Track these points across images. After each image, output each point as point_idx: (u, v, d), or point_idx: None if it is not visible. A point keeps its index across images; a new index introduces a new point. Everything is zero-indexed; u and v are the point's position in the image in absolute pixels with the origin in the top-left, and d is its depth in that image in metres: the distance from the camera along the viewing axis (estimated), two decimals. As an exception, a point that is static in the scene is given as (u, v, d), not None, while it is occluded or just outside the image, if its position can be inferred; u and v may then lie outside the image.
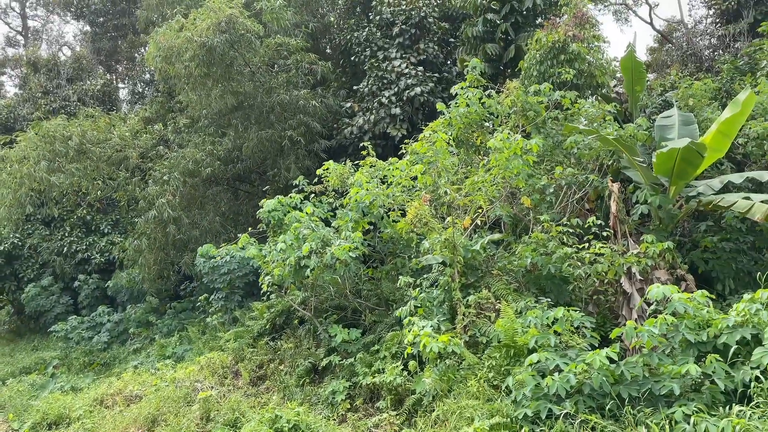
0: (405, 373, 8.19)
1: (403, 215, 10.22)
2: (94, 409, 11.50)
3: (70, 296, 23.89)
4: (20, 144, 17.21)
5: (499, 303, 7.98)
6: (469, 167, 10.68)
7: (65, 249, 23.65)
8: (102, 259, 23.34)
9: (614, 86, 14.88)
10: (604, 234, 9.08)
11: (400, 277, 9.46)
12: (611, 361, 6.01)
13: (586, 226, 8.99)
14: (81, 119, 18.62)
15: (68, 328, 20.89)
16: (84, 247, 23.69)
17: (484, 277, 8.99)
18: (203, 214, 17.72)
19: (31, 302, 23.47)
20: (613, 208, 9.46)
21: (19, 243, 24.23)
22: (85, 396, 12.67)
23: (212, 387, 10.80)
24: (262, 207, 11.69)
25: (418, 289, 9.02)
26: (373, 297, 11.49)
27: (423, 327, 7.63)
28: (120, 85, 35.21)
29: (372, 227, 11.56)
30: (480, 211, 9.77)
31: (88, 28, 36.39)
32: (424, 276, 9.63)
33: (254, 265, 14.19)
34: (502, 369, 6.90)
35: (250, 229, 13.67)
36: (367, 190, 10.34)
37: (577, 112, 11.15)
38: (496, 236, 9.61)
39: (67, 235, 24.06)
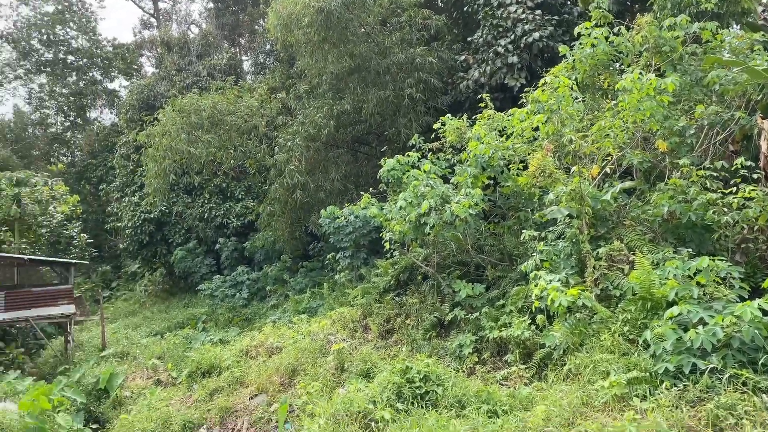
0: (533, 327, 8.07)
1: (525, 168, 9.91)
2: (240, 359, 12.57)
3: (212, 258, 26.02)
4: (161, 120, 18.80)
5: (633, 254, 7.56)
6: (596, 113, 10.05)
7: (206, 215, 25.67)
8: (238, 223, 25.06)
9: (762, 12, 13.19)
10: (754, 177, 8.21)
11: (524, 231, 9.23)
12: (764, 313, 5.50)
13: (732, 168, 8.17)
14: (212, 92, 19.88)
15: (213, 287, 22.85)
16: (222, 212, 25.57)
17: (616, 228, 8.53)
18: (326, 176, 18.36)
19: (179, 264, 25.89)
20: (764, 147, 8.49)
21: (167, 211, 26.66)
22: (232, 348, 13.86)
23: (344, 339, 11.36)
24: (382, 166, 11.87)
25: (543, 242, 8.76)
26: (496, 252, 11.35)
27: (550, 281, 7.44)
28: (243, 57, 37.05)
29: (492, 182, 11.35)
30: (609, 158, 9.21)
31: (211, 5, 38.43)
32: (549, 229, 9.32)
33: (377, 223, 14.57)
34: (638, 323, 6.56)
35: (370, 189, 13.97)
36: (486, 143, 10.12)
37: (719, 45, 10.04)
38: (628, 184, 9.02)
39: (206, 202, 26.06)
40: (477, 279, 10.78)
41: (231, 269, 24.59)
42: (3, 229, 22.73)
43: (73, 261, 20.72)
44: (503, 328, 8.46)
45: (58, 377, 15.55)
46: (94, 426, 13.22)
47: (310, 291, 18.46)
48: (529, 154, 9.70)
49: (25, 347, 19.33)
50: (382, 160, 12.00)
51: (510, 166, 10.57)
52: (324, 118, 17.39)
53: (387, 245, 11.54)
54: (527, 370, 7.51)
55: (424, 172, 10.81)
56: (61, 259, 20.95)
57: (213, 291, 22.83)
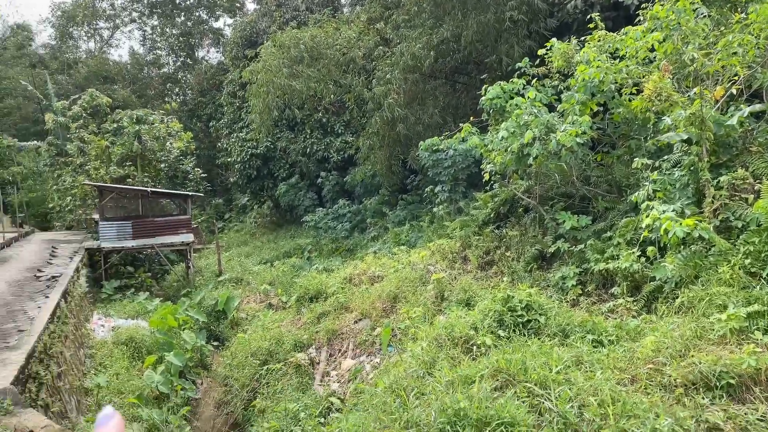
0: (642, 259, 7.74)
1: (638, 92, 9.24)
2: (344, 287, 13.14)
3: (314, 191, 26.95)
4: (263, 56, 19.25)
5: (759, 183, 6.96)
6: (722, 28, 9.09)
7: (308, 150, 26.42)
8: (338, 158, 25.62)
9: None
10: None
11: (635, 159, 8.72)
12: None
13: None
14: (310, 26, 19.99)
15: (316, 219, 23.77)
16: (323, 147, 26.19)
17: (740, 155, 7.85)
18: (424, 109, 18.16)
19: (284, 197, 27.07)
20: None
21: (272, 146, 27.70)
22: (336, 276, 14.49)
23: (443, 270, 11.51)
24: (482, 95, 11.53)
25: (656, 171, 8.25)
26: (603, 183, 10.85)
27: (663, 211, 7.04)
28: (340, -12, 36.66)
29: (601, 108, 10.71)
30: (735, 79, 8.37)
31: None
32: (664, 158, 8.74)
33: (476, 156, 14.33)
34: (762, 255, 6.11)
35: (471, 117, 13.66)
36: (596, 66, 9.50)
37: None
38: (758, 107, 8.20)
39: (308, 137, 26.76)
40: (582, 211, 10.42)
41: (332, 202, 25.39)
42: (127, 164, 24.69)
43: (190, 193, 22.23)
44: (610, 261, 8.19)
45: (181, 299, 17.08)
46: (215, 343, 14.51)
47: (409, 224, 18.72)
48: (643, 77, 9.02)
49: (152, 272, 21.30)
50: (483, 88, 11.64)
51: (622, 90, 9.90)
52: (423, 49, 17.02)
53: (487, 176, 11.35)
54: (635, 303, 7.27)
55: (529, 99, 10.38)
56: (180, 192, 22.55)
57: (316, 223, 23.77)
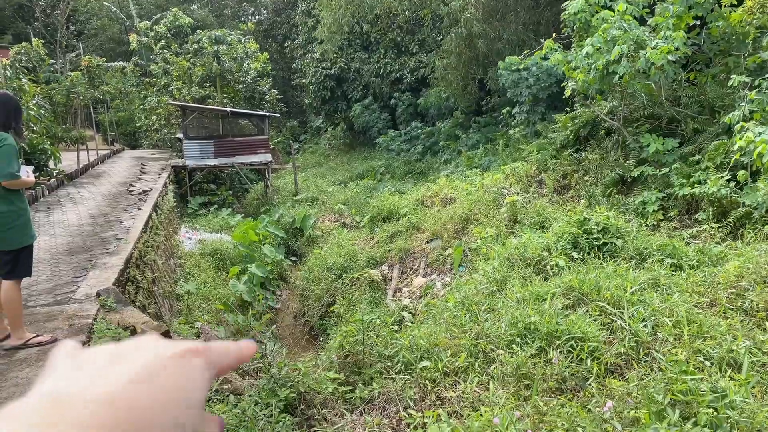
0: (731, 184, 7.36)
1: (740, 3, 8.46)
2: (417, 208, 13.29)
3: (388, 113, 26.80)
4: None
5: None
6: None
7: (381, 70, 26.09)
8: (412, 78, 25.19)
9: None
10: None
11: (732, 78, 8.10)
12: None
13: None
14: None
15: (389, 140, 23.79)
16: (396, 67, 25.78)
17: None
18: (504, 25, 17.38)
19: (357, 119, 27.13)
20: None
21: (346, 67, 27.53)
22: (409, 197, 14.64)
23: (517, 193, 11.38)
24: (565, 10, 10.88)
25: (754, 90, 7.66)
26: (695, 104, 10.20)
27: (759, 133, 6.60)
28: None
29: (698, 22, 9.90)
30: None
31: None
32: (765, 77, 8.07)
33: (558, 75, 13.71)
34: None
35: (554, 35, 12.99)
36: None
37: None
38: None
39: (382, 57, 26.35)
40: (669, 134, 9.89)
41: (405, 124, 25.23)
42: (207, 84, 25.33)
43: (268, 114, 22.69)
44: (696, 185, 7.83)
45: (260, 216, 17.85)
46: (293, 258, 15.21)
47: (483, 147, 18.41)
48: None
49: (233, 190, 22.25)
50: (565, 3, 10.97)
51: (721, 2, 9.08)
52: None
53: (567, 92, 10.90)
54: (720, 230, 6.99)
55: (618, 12, 9.72)
56: (258, 112, 23.05)
57: (389, 145, 23.81)
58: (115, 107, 32.20)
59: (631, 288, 5.11)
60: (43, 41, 22.22)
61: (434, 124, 23.45)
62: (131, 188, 14.64)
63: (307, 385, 4.40)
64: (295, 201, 19.57)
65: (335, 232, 14.87)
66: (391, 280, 10.88)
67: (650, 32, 9.56)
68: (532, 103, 15.75)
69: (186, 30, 28.92)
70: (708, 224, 7.16)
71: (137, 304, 7.66)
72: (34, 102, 14.45)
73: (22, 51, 19.86)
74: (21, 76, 15.66)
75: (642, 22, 10.14)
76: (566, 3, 10.92)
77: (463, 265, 9.43)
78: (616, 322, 4.69)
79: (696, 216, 7.72)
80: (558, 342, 4.45)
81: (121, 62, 33.90)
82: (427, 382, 4.56)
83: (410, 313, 8.50)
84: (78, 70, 21.36)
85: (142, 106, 28.57)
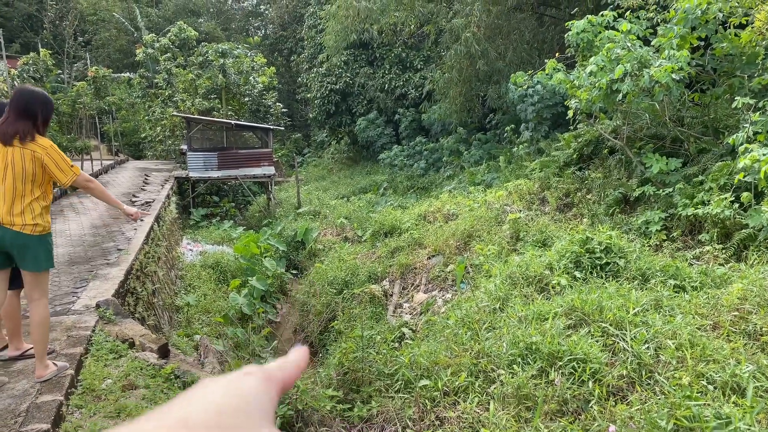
0: (735, 206, 7.33)
1: (747, 24, 8.49)
2: (418, 223, 13.28)
3: (392, 128, 26.90)
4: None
5: None
6: None
7: (386, 85, 26.22)
8: (416, 94, 25.31)
9: None
10: None
11: (736, 99, 8.12)
12: None
13: None
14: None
15: (392, 155, 23.84)
16: (401, 83, 25.91)
17: None
18: (507, 44, 17.46)
19: (362, 133, 27.21)
20: None
21: (351, 82, 27.68)
22: (411, 212, 14.63)
23: (520, 210, 11.36)
24: (569, 30, 10.94)
25: (759, 112, 7.67)
26: (698, 125, 10.21)
27: (764, 154, 6.58)
28: None
29: (702, 43, 9.93)
30: None
31: None
32: (769, 98, 8.09)
33: (562, 95, 13.75)
34: None
35: (557, 54, 13.05)
36: (702, -5, 8.74)
37: None
38: None
39: (386, 72, 26.50)
40: (672, 154, 9.89)
41: (409, 139, 25.29)
42: (212, 96, 25.47)
43: (272, 127, 22.78)
44: (699, 206, 7.80)
45: (263, 228, 17.85)
46: (294, 271, 15.17)
47: (486, 163, 18.44)
48: (756, 6, 8.26)
49: (235, 202, 22.28)
50: (569, 23, 11.03)
51: (730, 20, 9.11)
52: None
53: (570, 113, 10.93)
54: (724, 251, 6.95)
55: (622, 32, 9.77)
56: (262, 125, 23.15)
57: (392, 160, 23.85)
58: (121, 118, 32.37)
59: (634, 309, 5.07)
60: (50, 51, 22.40)
61: (437, 139, 23.51)
62: (134, 199, 14.65)
63: (305, 403, 4.36)
64: (298, 214, 19.57)
65: (337, 246, 14.84)
66: (392, 295, 10.83)
67: (654, 52, 9.59)
68: (538, 121, 15.78)
69: (191, 42, 29.14)
70: (711, 245, 7.13)
71: (137, 315, 7.63)
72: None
73: (30, 61, 20.00)
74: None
75: (646, 42, 10.18)
76: (569, 23, 10.98)
77: (465, 281, 9.39)
78: (618, 343, 4.65)
79: (699, 237, 7.68)
80: (560, 363, 4.40)
81: (128, 73, 34.15)
82: (426, 401, 4.51)
83: (411, 329, 8.45)
84: (84, 80, 21.54)
85: (147, 117, 28.71)
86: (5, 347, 4.76)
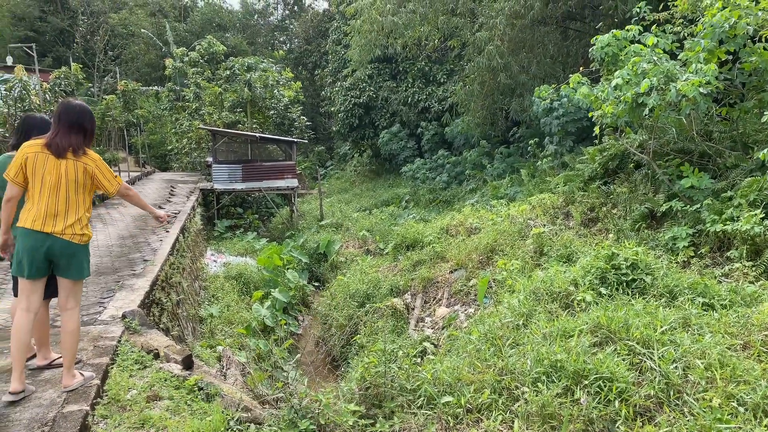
0: (765, 222, 7.18)
1: (777, 38, 8.35)
2: (441, 236, 13.23)
3: (414, 141, 26.96)
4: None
5: None
6: None
7: (409, 99, 26.34)
8: (439, 107, 25.37)
9: None
10: None
11: (766, 113, 7.98)
12: None
13: None
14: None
15: (414, 168, 23.87)
16: (424, 96, 26.00)
17: None
18: (531, 57, 17.42)
19: (384, 146, 27.33)
20: None
21: (374, 96, 27.87)
22: (433, 225, 14.60)
23: (544, 225, 11.26)
24: (593, 45, 10.88)
25: (791, 127, 7.52)
26: (727, 139, 10.04)
27: (796, 171, 6.44)
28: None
29: (730, 57, 9.79)
30: None
31: None
32: (801, 113, 7.92)
33: (587, 108, 13.65)
34: None
35: (581, 69, 12.98)
36: (732, 4, 8.62)
37: None
38: None
39: (409, 86, 26.62)
40: (700, 169, 9.73)
41: (431, 153, 25.32)
42: (238, 110, 25.82)
43: (295, 140, 23.00)
44: (728, 222, 7.66)
45: (285, 240, 17.96)
46: (316, 283, 15.22)
47: (509, 177, 18.36)
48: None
49: (259, 213, 22.47)
50: (593, 38, 10.97)
51: (761, 33, 8.97)
52: (531, -8, 16.18)
53: (597, 130, 10.83)
54: (754, 268, 6.79)
55: (648, 46, 9.68)
56: (286, 138, 23.39)
57: (414, 173, 23.88)
58: (148, 130, 32.99)
59: (661, 327, 4.98)
60: (81, 65, 22.98)
61: (460, 153, 23.48)
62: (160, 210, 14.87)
63: (328, 417, 4.35)
64: (320, 226, 19.67)
65: (359, 258, 14.86)
66: (413, 309, 10.79)
67: (681, 66, 9.48)
68: (562, 134, 15.66)
69: (219, 57, 29.63)
70: (741, 263, 6.98)
71: (161, 326, 7.72)
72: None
73: (62, 75, 20.54)
74: (59, 99, 16.17)
75: (672, 56, 10.07)
76: (594, 38, 10.92)
77: (488, 296, 9.31)
78: (645, 362, 4.56)
79: (728, 254, 7.53)
80: (585, 381, 4.33)
81: (156, 87, 34.83)
82: (449, 418, 4.47)
83: (432, 344, 8.40)
84: (114, 94, 22.02)
85: (173, 130, 29.21)
86: (33, 356, 4.85)
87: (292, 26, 47.65)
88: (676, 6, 10.35)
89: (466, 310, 9.74)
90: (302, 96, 29.31)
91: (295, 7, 47.57)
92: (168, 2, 49.47)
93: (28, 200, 4.22)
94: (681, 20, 10.57)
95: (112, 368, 4.92)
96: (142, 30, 41.97)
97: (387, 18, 18.29)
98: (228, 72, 26.61)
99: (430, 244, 12.79)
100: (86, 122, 4.38)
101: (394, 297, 11.10)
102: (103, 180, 4.37)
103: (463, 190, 20.88)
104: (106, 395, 4.44)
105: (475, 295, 9.79)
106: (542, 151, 16.68)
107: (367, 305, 10.92)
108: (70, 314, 4.34)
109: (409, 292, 11.41)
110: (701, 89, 8.48)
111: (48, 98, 15.44)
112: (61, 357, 4.77)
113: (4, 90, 13.15)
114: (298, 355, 9.36)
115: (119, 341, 5.53)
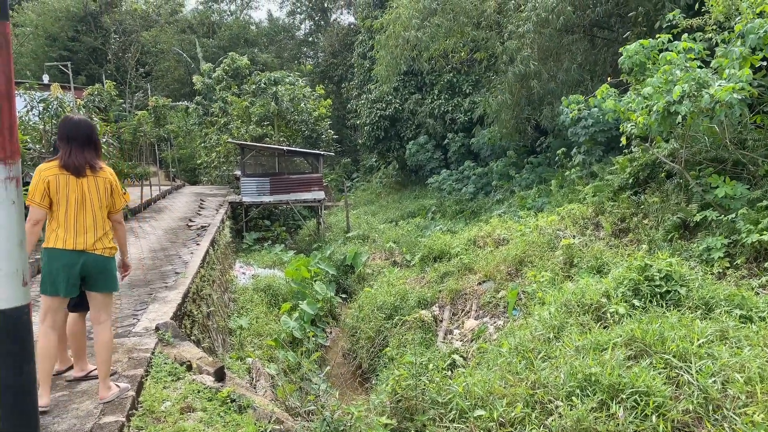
0: (805, 232, 6.99)
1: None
2: (468, 248, 13.16)
3: (441, 152, 26.93)
4: (395, 6, 19.32)
5: None
6: None
7: (435, 110, 26.35)
8: (465, 118, 25.31)
9: None
10: None
11: (804, 121, 7.79)
12: None
13: None
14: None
15: (441, 179, 23.81)
16: (450, 108, 25.99)
17: None
18: (558, 66, 17.30)
19: (411, 158, 27.34)
20: None
21: (400, 108, 27.97)
22: (460, 237, 14.52)
23: (573, 236, 11.12)
24: (622, 54, 10.76)
25: (830, 134, 7.32)
26: (762, 147, 9.81)
27: (837, 179, 6.26)
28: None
29: (764, 64, 9.59)
30: None
31: None
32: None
33: (616, 118, 13.49)
34: None
35: (609, 78, 12.86)
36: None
37: None
38: None
39: (436, 98, 26.65)
40: (734, 177, 9.52)
41: (458, 164, 25.24)
42: (265, 123, 26.16)
43: (322, 152, 23.18)
44: (765, 232, 7.47)
45: (313, 252, 18.05)
46: (343, 295, 15.25)
47: (537, 187, 18.19)
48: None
49: (286, 226, 22.66)
50: (622, 48, 10.85)
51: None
52: (558, 2, 16.10)
53: (624, 141, 10.69)
54: (793, 280, 6.61)
55: (679, 53, 9.54)
56: (313, 151, 23.59)
57: (441, 184, 23.82)
58: (178, 144, 33.61)
59: (698, 340, 4.87)
60: (114, 83, 23.59)
61: (487, 163, 23.36)
62: (190, 223, 15.11)
63: (360, 430, 4.34)
64: (347, 238, 19.73)
65: (386, 270, 14.85)
66: (441, 321, 10.73)
67: (713, 73, 9.32)
68: (591, 144, 15.49)
69: (244, 71, 30.10)
70: (780, 274, 6.79)
71: (192, 338, 7.80)
72: (104, 140, 15.24)
73: (96, 92, 21.10)
74: (93, 116, 16.59)
75: (704, 64, 9.91)
76: (622, 48, 10.80)
77: (517, 308, 9.22)
78: (682, 376, 4.46)
79: (765, 264, 7.34)
80: (621, 396, 4.25)
81: (185, 102, 35.52)
82: None
83: (462, 356, 8.33)
84: (145, 110, 22.57)
85: (203, 144, 29.69)
86: (70, 368, 4.95)
87: (318, 40, 48.23)
88: (712, 10, 10.18)
89: (495, 323, 9.65)
90: (330, 112, 29.59)
91: (321, 21, 48.15)
92: (197, 19, 50.49)
93: (52, 221, 4.24)
94: (713, 27, 10.40)
95: (146, 380, 4.99)
96: (173, 47, 42.91)
97: (410, 32, 18.40)
98: (254, 86, 27.01)
99: (458, 256, 12.72)
100: (94, 136, 4.39)
101: (422, 309, 11.06)
102: (117, 195, 4.41)
103: (490, 200, 20.74)
104: (141, 406, 4.51)
105: (504, 307, 9.70)
106: (570, 161, 16.51)
107: (395, 317, 10.89)
108: (102, 327, 4.42)
109: (436, 304, 11.36)
110: (735, 95, 8.32)
111: (82, 114, 15.92)
112: (96, 369, 4.86)
113: (42, 108, 13.52)
114: (328, 368, 9.37)
115: (153, 353, 5.61)
